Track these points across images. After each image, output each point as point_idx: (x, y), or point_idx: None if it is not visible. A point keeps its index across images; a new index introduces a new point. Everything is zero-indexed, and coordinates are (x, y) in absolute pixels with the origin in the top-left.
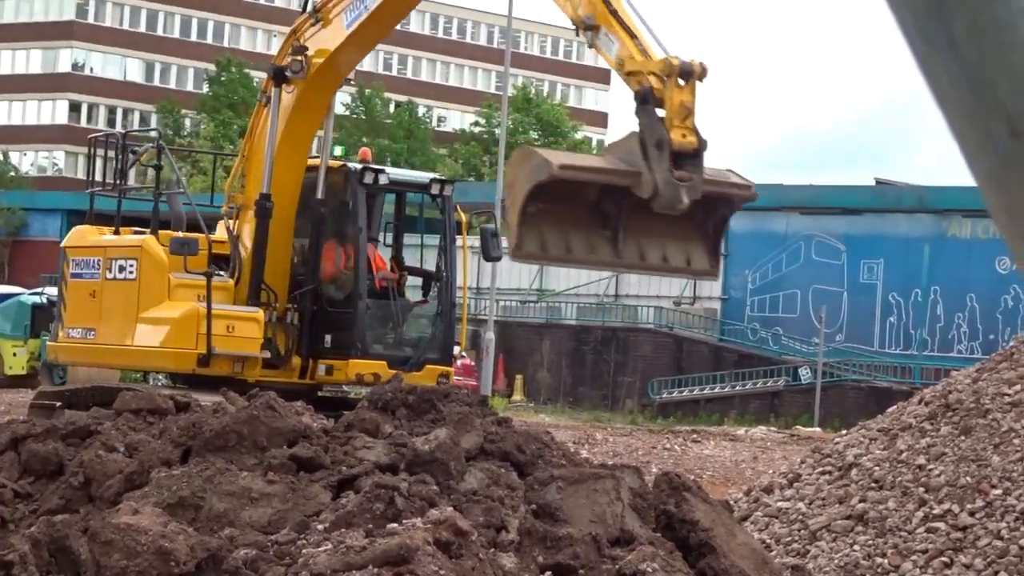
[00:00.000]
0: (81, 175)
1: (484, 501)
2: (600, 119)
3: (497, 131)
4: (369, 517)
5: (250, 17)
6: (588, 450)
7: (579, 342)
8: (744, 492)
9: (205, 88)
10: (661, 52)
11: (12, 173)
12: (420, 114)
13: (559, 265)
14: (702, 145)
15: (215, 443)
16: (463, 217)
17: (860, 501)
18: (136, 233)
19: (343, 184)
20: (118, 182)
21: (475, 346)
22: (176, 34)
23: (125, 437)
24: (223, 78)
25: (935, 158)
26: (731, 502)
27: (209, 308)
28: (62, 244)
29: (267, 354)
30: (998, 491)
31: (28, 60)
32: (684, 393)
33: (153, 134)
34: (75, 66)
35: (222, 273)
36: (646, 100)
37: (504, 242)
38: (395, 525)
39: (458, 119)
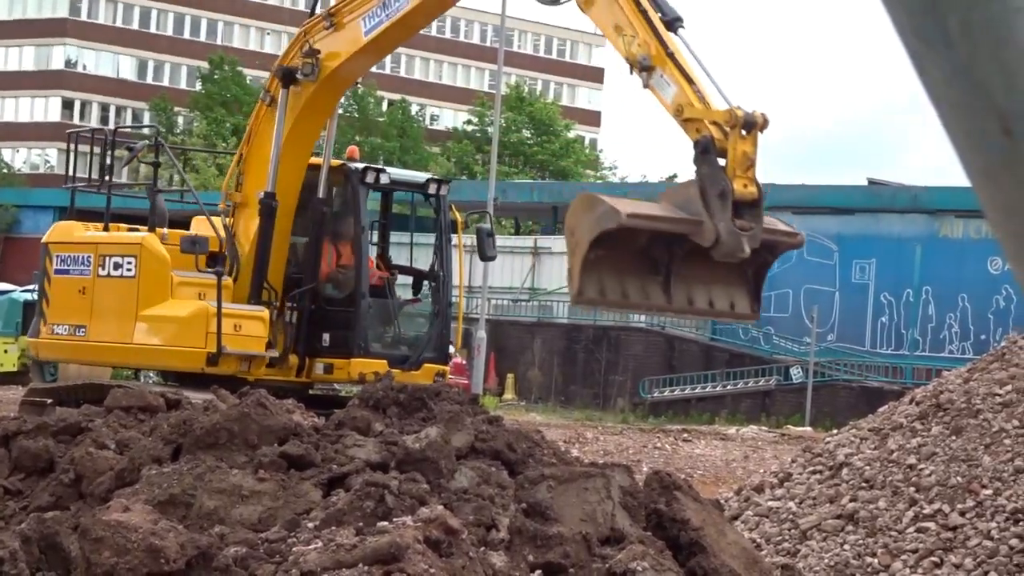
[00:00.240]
0: (82, 173)
1: (474, 500)
2: (593, 118)
3: (490, 130)
4: (359, 515)
5: (243, 15)
6: (579, 449)
7: (570, 341)
8: (735, 491)
9: (198, 86)
10: (721, 100)
11: (5, 170)
12: (413, 112)
13: (616, 310)
14: (762, 195)
15: (206, 440)
16: (458, 216)
17: (851, 501)
18: (132, 230)
19: (344, 183)
20: (107, 178)
21: (466, 344)
22: (169, 32)
23: (116, 434)
24: (216, 76)
25: (928, 158)
26: (722, 501)
27: (219, 307)
28: (43, 240)
29: (274, 353)
30: (988, 491)
31: (21, 57)
32: (675, 392)
33: (147, 131)
34: (68, 63)
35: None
36: (707, 150)
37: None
38: (385, 523)
39: (451, 117)
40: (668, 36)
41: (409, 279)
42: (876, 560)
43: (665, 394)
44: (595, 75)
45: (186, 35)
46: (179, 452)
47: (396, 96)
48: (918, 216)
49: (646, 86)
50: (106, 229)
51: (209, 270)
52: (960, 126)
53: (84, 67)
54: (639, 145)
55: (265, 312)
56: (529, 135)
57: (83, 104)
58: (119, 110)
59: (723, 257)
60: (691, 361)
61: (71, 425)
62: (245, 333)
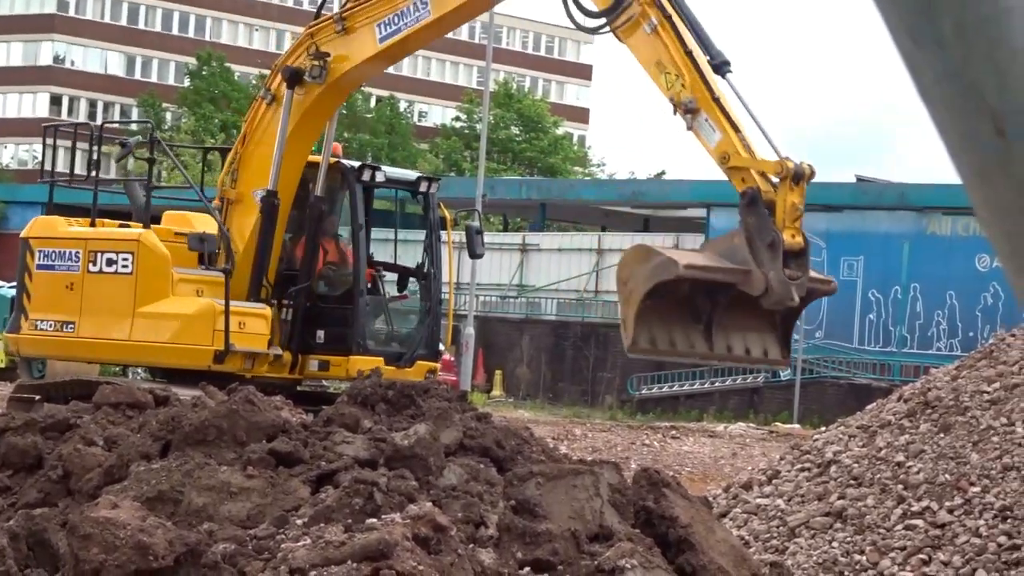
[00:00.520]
0: (61, 168)
1: (463, 496)
2: (581, 114)
3: (478, 126)
4: (348, 512)
5: (231, 11)
6: (567, 446)
7: (559, 338)
8: (723, 488)
9: (186, 82)
10: (769, 150)
11: None
12: (401, 109)
13: (666, 358)
14: (808, 245)
15: (194, 437)
16: (447, 214)
17: (839, 498)
18: (123, 226)
19: (340, 181)
20: (93, 174)
21: (455, 341)
22: (157, 28)
23: (104, 431)
24: (204, 72)
25: (917, 155)
26: (710, 498)
27: (227, 304)
28: (23, 235)
29: (278, 350)
30: (976, 489)
31: (8, 53)
32: (663, 389)
33: (137, 127)
34: (56, 59)
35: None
36: (755, 201)
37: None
38: (374, 520)
39: (439, 114)
40: (714, 80)
41: (393, 276)
42: (864, 558)
43: (653, 391)
44: (583, 72)
45: (174, 31)
46: (168, 449)
47: (384, 92)
48: (906, 213)
49: (689, 128)
50: (93, 225)
51: (215, 268)
52: (953, 126)
53: (72, 63)
54: (627, 142)
55: (268, 310)
56: (517, 132)
57: (71, 100)
58: (107, 106)
59: (772, 305)
60: None
61: (59, 421)
62: (249, 331)
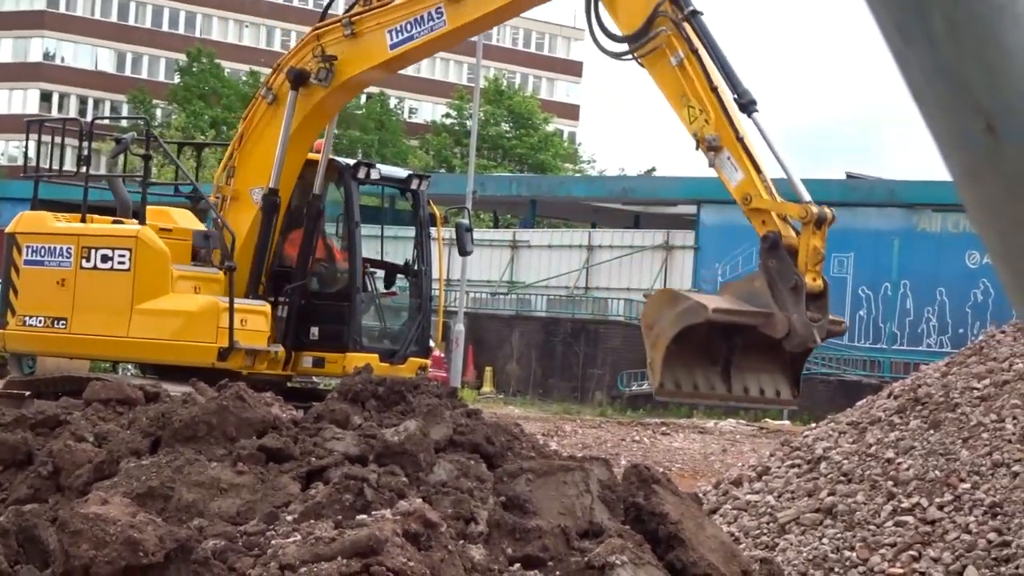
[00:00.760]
0: (55, 165)
1: (453, 493)
2: (571, 111)
3: (469, 123)
4: (338, 508)
5: (221, 8)
6: (557, 442)
7: (549, 334)
8: (713, 485)
9: (176, 78)
10: (793, 192)
11: None
12: (391, 105)
13: (690, 402)
14: (827, 287)
15: (184, 433)
16: (437, 211)
17: (829, 494)
18: (116, 222)
19: (336, 179)
20: (83, 169)
21: (445, 338)
22: (148, 24)
23: (94, 427)
24: (194, 68)
25: (907, 152)
26: (700, 495)
27: (232, 301)
28: (8, 230)
29: (279, 347)
30: (966, 485)
31: None
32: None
33: (126, 123)
34: (46, 55)
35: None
36: (776, 245)
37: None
38: (364, 516)
39: (430, 111)
40: (739, 119)
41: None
42: (854, 554)
43: (644, 387)
44: (574, 69)
45: (164, 27)
46: (158, 445)
47: (375, 89)
48: (896, 210)
49: (711, 165)
50: (83, 220)
51: (219, 265)
52: (943, 124)
53: (62, 59)
54: (618, 139)
55: (267, 307)
56: (508, 128)
57: (61, 96)
58: (97, 102)
59: (795, 348)
60: None
61: (49, 418)
62: (250, 328)
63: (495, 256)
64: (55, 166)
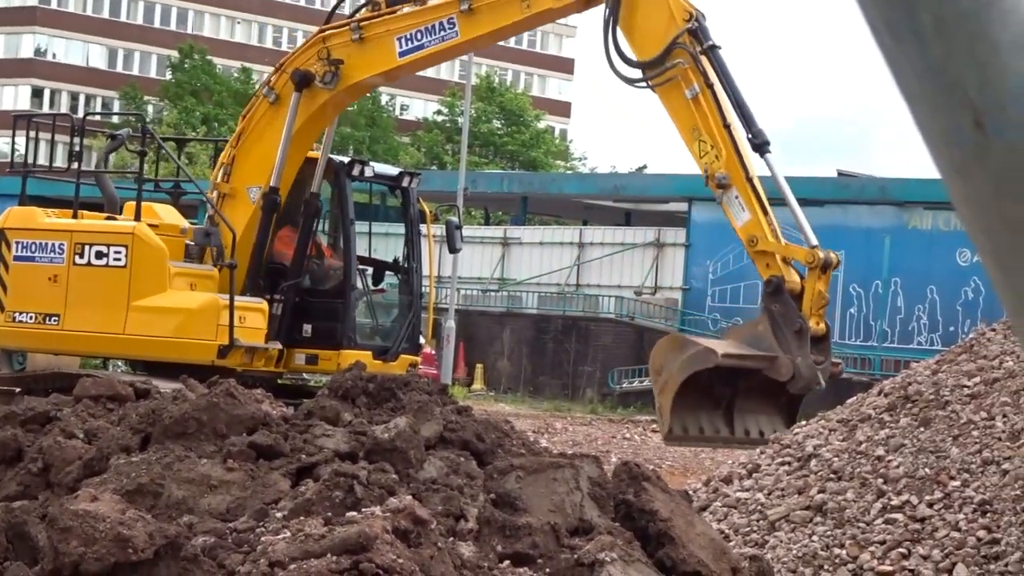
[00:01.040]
0: (41, 160)
1: (443, 490)
2: (563, 108)
3: (460, 120)
4: (328, 505)
5: (213, 4)
6: (548, 439)
7: (539, 331)
8: (703, 482)
9: (168, 75)
10: (805, 237)
11: None
12: (383, 102)
13: (697, 446)
14: (829, 331)
15: (174, 430)
16: (427, 208)
17: (819, 492)
18: (109, 218)
19: (330, 177)
20: (75, 165)
21: (436, 335)
22: (139, 20)
23: (84, 423)
24: (186, 65)
25: (898, 150)
26: (690, 492)
27: (232, 298)
28: None
29: (278, 345)
30: (956, 483)
31: None
32: (644, 383)
33: (118, 119)
34: (38, 52)
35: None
36: (780, 289)
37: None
38: (354, 513)
39: (421, 107)
40: (750, 159)
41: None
42: (844, 551)
43: (635, 385)
44: (565, 66)
45: (156, 24)
46: (148, 441)
47: None
48: (887, 208)
49: (719, 201)
50: (75, 216)
51: (223, 262)
52: (933, 121)
53: (54, 55)
54: (609, 136)
55: (264, 304)
56: (499, 125)
57: (52, 92)
58: (88, 99)
59: (799, 390)
60: None
61: (39, 414)
62: (249, 325)
63: (486, 253)
64: (44, 162)
